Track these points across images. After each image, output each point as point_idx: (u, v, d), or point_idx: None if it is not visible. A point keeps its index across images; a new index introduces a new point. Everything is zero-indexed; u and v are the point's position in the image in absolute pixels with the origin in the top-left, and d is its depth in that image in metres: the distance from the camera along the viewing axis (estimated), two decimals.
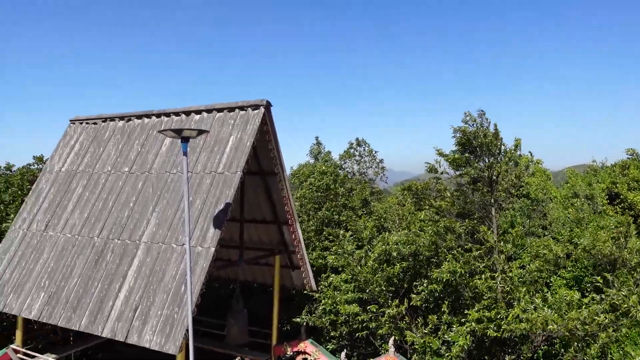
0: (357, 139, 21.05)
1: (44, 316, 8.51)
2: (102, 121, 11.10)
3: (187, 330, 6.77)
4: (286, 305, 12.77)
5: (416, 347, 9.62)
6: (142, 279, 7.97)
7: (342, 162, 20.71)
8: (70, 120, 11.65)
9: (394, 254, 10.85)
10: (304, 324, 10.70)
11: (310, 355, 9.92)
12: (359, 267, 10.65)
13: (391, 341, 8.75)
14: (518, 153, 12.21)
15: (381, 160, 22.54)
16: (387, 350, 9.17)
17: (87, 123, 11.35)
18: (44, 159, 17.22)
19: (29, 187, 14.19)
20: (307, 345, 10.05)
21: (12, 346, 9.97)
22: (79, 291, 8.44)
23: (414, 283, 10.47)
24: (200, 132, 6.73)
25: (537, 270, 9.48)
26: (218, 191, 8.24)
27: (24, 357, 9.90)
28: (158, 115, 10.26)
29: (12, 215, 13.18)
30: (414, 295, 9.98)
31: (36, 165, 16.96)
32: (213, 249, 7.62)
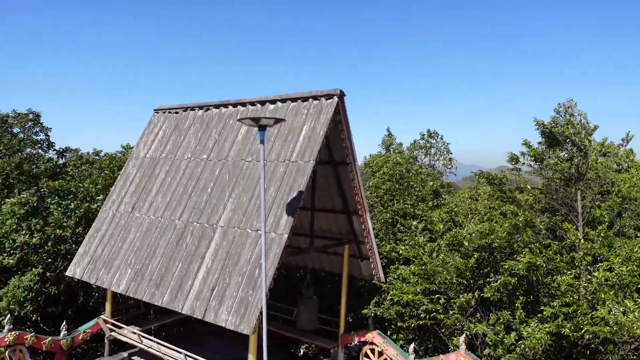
0: (428, 130, 20.51)
1: (131, 291, 9.19)
2: (183, 110, 11.69)
3: (261, 313, 7.00)
4: (353, 295, 12.83)
5: (488, 341, 9.27)
6: (219, 262, 8.34)
7: (411, 154, 20.33)
8: (154, 110, 12.38)
9: (466, 243, 10.51)
10: (372, 314, 10.68)
11: (377, 346, 9.90)
12: (429, 259, 10.43)
13: (462, 337, 8.49)
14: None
15: (450, 152, 21.86)
16: (457, 347, 8.92)
17: (169, 112, 12.01)
18: (129, 146, 18.52)
19: (117, 172, 15.33)
20: (374, 336, 10.03)
21: (103, 316, 10.89)
22: (161, 269, 9.01)
23: (487, 279, 10.08)
24: (277, 120, 6.87)
25: (629, 275, 8.72)
26: (291, 179, 8.40)
27: (112, 327, 10.78)
28: (235, 105, 10.62)
29: (100, 196, 14.30)
30: (486, 288, 9.61)
31: (123, 152, 18.28)
32: (286, 236, 7.79)
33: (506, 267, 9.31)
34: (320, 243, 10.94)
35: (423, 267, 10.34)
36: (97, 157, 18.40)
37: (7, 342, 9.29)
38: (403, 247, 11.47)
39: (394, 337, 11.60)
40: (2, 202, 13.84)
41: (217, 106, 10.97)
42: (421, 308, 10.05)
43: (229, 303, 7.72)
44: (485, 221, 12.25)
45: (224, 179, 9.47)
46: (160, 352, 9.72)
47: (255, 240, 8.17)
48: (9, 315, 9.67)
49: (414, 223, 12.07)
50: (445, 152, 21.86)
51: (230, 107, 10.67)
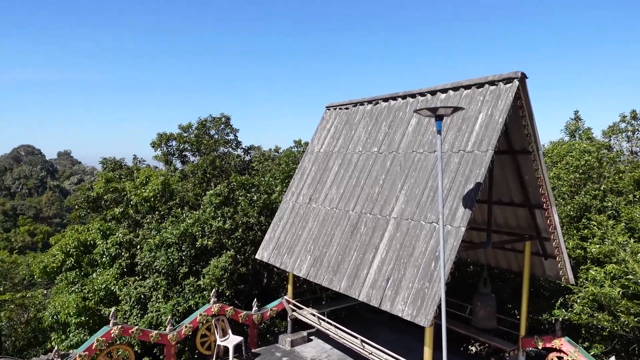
0: (632, 111, 17.37)
1: (311, 275, 9.93)
2: (353, 106, 12.13)
3: (439, 306, 6.89)
4: (534, 295, 11.76)
5: None
6: (393, 252, 8.46)
7: (607, 139, 17.60)
8: (326, 107, 13.12)
9: None
10: (559, 319, 9.63)
11: (567, 354, 8.89)
12: (634, 263, 8.94)
13: None
14: None
15: None
16: None
17: (339, 108, 12.59)
18: (301, 142, 20.03)
19: (293, 166, 16.73)
20: (563, 343, 9.04)
21: (286, 297, 12.02)
22: (338, 257, 9.53)
23: None
24: (456, 109, 6.63)
25: None
26: (467, 170, 8.04)
27: (294, 308, 11.82)
28: (404, 97, 10.61)
29: (277, 188, 15.77)
30: None
31: (296, 148, 19.87)
32: (463, 229, 7.51)
33: None
34: (496, 238, 10.27)
35: (625, 272, 8.93)
36: (276, 154, 20.38)
37: (213, 312, 10.92)
38: (596, 247, 10.07)
39: (586, 345, 10.29)
40: (203, 193, 16.26)
41: (385, 99, 11.10)
42: (625, 314, 8.69)
43: (404, 294, 7.78)
44: None
45: (395, 171, 9.55)
46: (337, 335, 10.32)
47: (429, 233, 8.06)
48: (214, 290, 11.36)
49: (608, 221, 10.50)
50: None
51: (399, 99, 10.70)
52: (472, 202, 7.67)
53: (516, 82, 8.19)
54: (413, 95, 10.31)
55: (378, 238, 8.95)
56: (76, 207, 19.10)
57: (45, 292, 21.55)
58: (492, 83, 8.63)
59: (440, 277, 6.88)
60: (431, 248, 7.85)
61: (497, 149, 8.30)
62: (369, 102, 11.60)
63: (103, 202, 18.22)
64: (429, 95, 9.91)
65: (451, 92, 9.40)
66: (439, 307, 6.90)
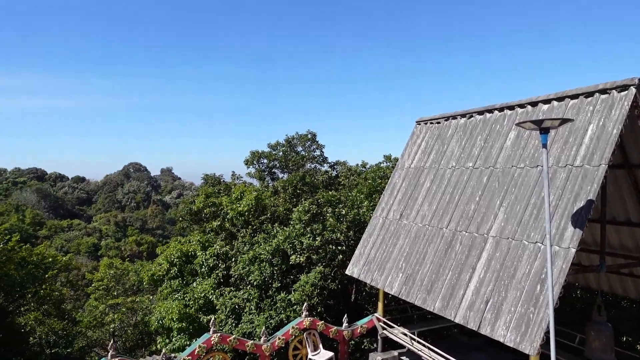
0: None
1: (403, 294, 9.73)
2: (445, 120, 11.82)
3: (546, 333, 6.38)
4: None
5: None
6: (492, 273, 8.02)
7: None
8: (416, 121, 12.93)
9: None
10: None
11: None
12: None
13: None
14: None
15: None
16: None
17: (430, 123, 12.34)
18: (391, 157, 19.89)
19: (379, 181, 16.64)
20: None
21: (376, 314, 11.88)
22: (431, 276, 9.24)
23: None
24: (564, 121, 6.19)
25: None
26: (577, 186, 7.42)
27: (384, 326, 11.63)
28: (500, 109, 10.13)
29: (365, 203, 15.73)
30: None
31: (384, 163, 19.77)
32: (573, 250, 6.91)
33: None
34: (610, 261, 9.32)
35: None
36: (363, 169, 20.46)
37: (305, 326, 11.11)
38: None
39: None
40: (293, 209, 16.73)
41: (480, 112, 10.68)
42: None
43: (506, 318, 7.31)
44: None
45: (493, 187, 9.09)
46: (430, 357, 9.95)
47: (533, 253, 7.53)
48: (305, 304, 11.57)
49: None
50: None
51: (496, 112, 10.23)
52: (583, 221, 7.05)
53: (632, 90, 7.46)
54: (511, 107, 9.80)
55: (475, 257, 8.54)
56: (180, 219, 20.64)
57: (150, 297, 23.45)
58: (603, 91, 7.94)
59: (548, 301, 6.38)
60: (536, 270, 7.32)
61: (612, 162, 7.58)
62: (462, 115, 11.24)
63: (203, 215, 19.50)
64: (529, 107, 9.36)
65: (555, 103, 8.79)
66: (547, 334, 6.39)
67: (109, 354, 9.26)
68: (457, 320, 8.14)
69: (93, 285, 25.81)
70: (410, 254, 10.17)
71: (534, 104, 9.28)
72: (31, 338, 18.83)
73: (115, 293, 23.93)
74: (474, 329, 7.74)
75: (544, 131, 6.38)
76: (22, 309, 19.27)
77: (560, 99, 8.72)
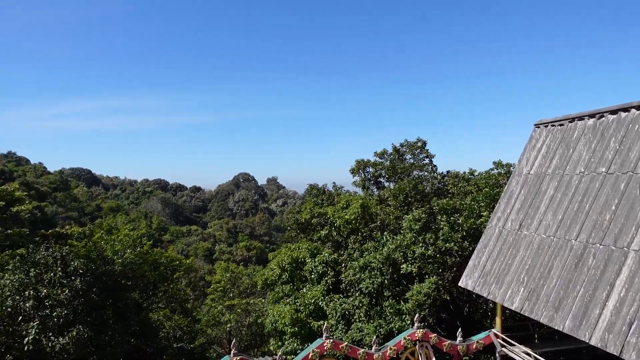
0: None
1: (525, 310, 9.06)
2: (569, 121, 10.86)
3: None
4: None
5: None
6: (636, 292, 7.13)
7: None
8: (535, 124, 12.05)
9: None
10: None
11: None
12: None
13: None
14: None
15: None
16: None
17: (552, 125, 11.42)
18: (502, 163, 18.76)
19: (497, 190, 15.75)
20: None
21: (494, 330, 11.22)
22: (559, 292, 8.49)
23: None
24: None
25: None
26: None
27: (503, 343, 10.93)
28: (638, 107, 9.04)
29: (484, 212, 14.97)
30: None
31: (495, 170, 18.70)
32: None
33: None
34: None
35: None
36: (471, 176, 19.56)
37: (417, 338, 10.87)
38: None
39: None
40: (403, 217, 16.53)
41: (613, 111, 9.63)
42: None
43: None
44: None
45: (633, 195, 8.12)
46: None
47: None
48: (417, 314, 11.32)
49: None
50: None
51: (633, 110, 9.15)
52: None
53: None
54: None
55: (613, 273, 7.67)
56: (288, 228, 21.54)
57: (262, 300, 24.73)
58: None
59: None
60: None
61: None
62: (591, 115, 10.23)
63: (310, 225, 20.13)
64: None
65: None
66: None
67: (232, 352, 9.92)
68: (592, 343, 7.37)
69: (212, 286, 27.94)
70: (533, 267, 9.45)
71: None
72: (161, 332, 20.90)
73: (231, 295, 25.65)
74: (614, 353, 6.95)
75: None
76: (153, 305, 21.48)
77: None
